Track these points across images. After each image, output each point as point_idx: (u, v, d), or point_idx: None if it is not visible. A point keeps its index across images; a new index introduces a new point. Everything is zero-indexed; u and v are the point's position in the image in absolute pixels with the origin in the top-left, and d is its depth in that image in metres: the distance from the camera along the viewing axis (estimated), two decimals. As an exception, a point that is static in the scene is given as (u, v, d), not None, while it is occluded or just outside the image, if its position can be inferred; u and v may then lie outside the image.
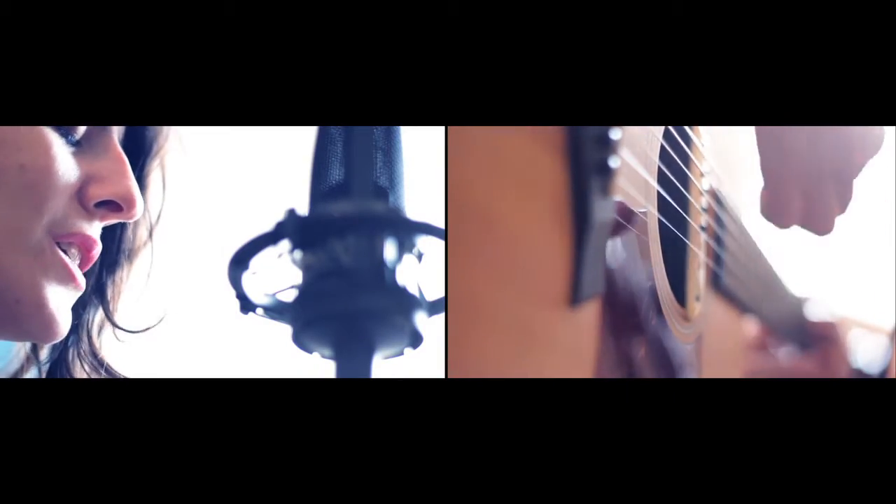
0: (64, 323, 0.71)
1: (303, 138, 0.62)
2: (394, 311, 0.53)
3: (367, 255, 0.53)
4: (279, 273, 0.56)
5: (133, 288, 0.82)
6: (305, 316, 0.54)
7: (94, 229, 0.72)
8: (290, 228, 0.54)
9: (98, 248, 0.73)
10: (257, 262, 0.56)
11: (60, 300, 0.71)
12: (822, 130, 0.81)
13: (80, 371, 0.80)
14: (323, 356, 0.55)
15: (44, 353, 0.80)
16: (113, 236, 0.79)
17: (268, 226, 0.54)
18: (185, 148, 0.84)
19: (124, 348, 0.83)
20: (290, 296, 0.55)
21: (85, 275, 0.73)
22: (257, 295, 0.58)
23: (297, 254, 0.54)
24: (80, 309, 0.78)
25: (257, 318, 0.59)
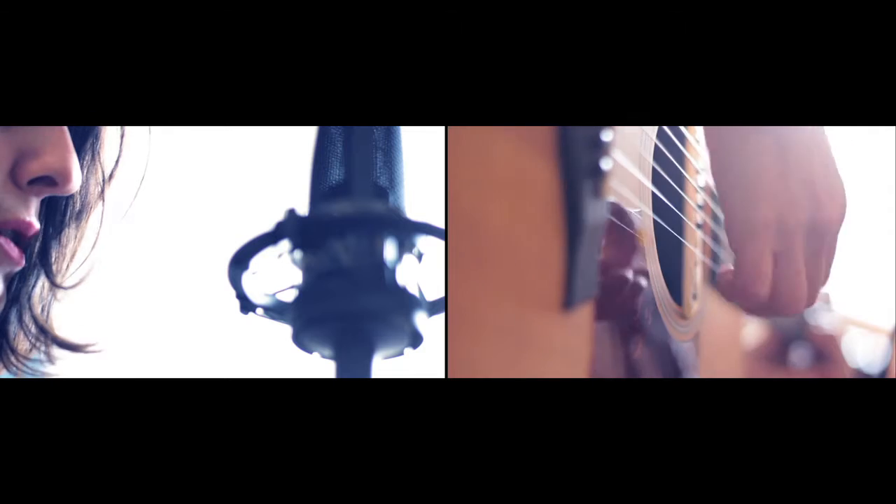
0: None
1: (303, 138, 0.62)
2: (394, 312, 0.53)
3: (367, 255, 0.53)
4: (279, 273, 0.56)
5: (80, 251, 0.78)
6: (305, 316, 0.54)
7: (30, 212, 0.69)
8: (290, 228, 0.54)
9: (34, 230, 0.69)
10: (257, 262, 0.56)
11: None
12: (790, 177, 0.77)
13: (24, 343, 0.76)
14: (323, 356, 0.55)
15: None
16: (59, 197, 0.74)
17: (268, 226, 0.54)
18: (145, 144, 0.79)
19: (121, 345, 0.82)
20: (290, 296, 0.55)
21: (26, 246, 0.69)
22: (257, 295, 0.58)
23: (297, 254, 0.54)
24: (21, 278, 0.75)
25: (257, 318, 0.59)
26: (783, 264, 0.78)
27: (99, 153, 0.77)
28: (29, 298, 0.76)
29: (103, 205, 0.78)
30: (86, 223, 0.78)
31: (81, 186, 0.75)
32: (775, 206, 0.77)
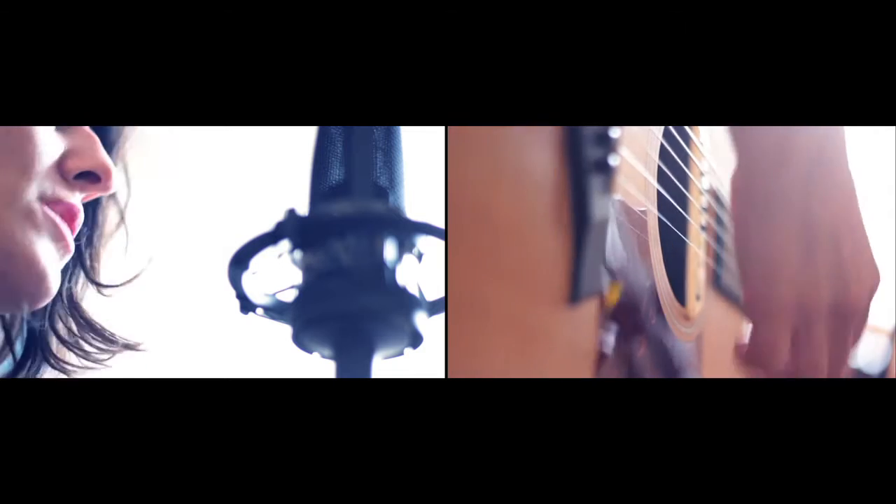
0: (54, 280, 0.72)
1: (303, 138, 0.62)
2: (394, 311, 0.53)
3: (367, 255, 0.53)
4: (279, 273, 0.56)
5: (105, 275, 0.84)
6: (305, 316, 0.54)
7: (76, 199, 0.74)
8: (290, 228, 0.54)
9: (80, 219, 0.74)
10: (257, 262, 0.56)
11: (51, 258, 0.72)
12: (815, 259, 0.74)
13: (63, 332, 0.81)
14: (323, 356, 0.55)
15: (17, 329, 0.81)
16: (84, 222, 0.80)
17: (268, 226, 0.54)
18: (145, 144, 0.85)
19: (121, 346, 0.83)
20: (290, 296, 0.55)
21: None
22: (257, 295, 0.58)
23: (297, 254, 0.54)
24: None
25: (257, 318, 0.59)
26: (803, 344, 0.76)
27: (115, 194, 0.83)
28: (70, 294, 0.82)
29: (126, 228, 0.85)
30: (109, 245, 0.84)
31: (102, 213, 0.83)
32: (796, 288, 0.74)
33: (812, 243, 0.74)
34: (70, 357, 0.82)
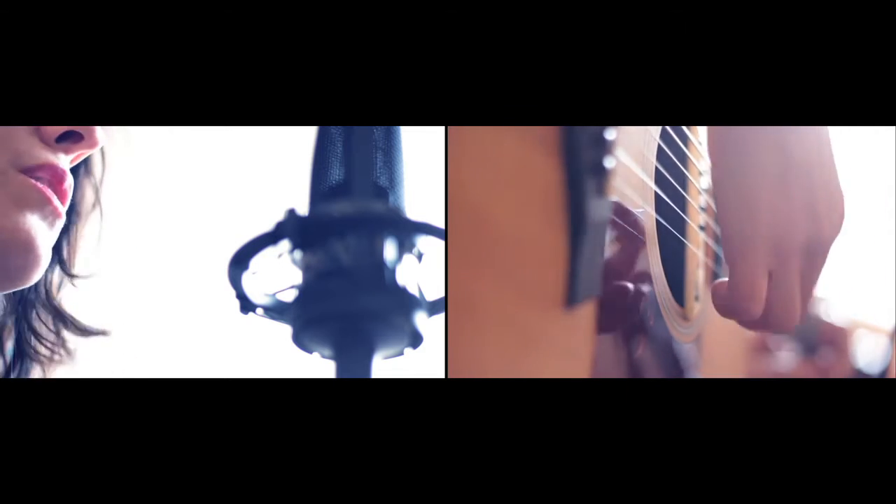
0: (44, 249, 0.70)
1: (303, 138, 0.62)
2: (394, 311, 0.53)
3: (367, 255, 0.53)
4: (279, 273, 0.56)
5: (85, 251, 0.82)
6: (305, 316, 0.54)
7: (61, 161, 0.71)
8: (290, 228, 0.54)
9: (69, 181, 0.72)
10: (257, 262, 0.56)
11: (37, 225, 0.70)
12: (790, 194, 0.75)
13: (41, 326, 0.80)
14: (323, 356, 0.55)
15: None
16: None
17: (268, 226, 0.54)
18: (146, 145, 0.83)
19: (121, 345, 0.83)
20: (290, 296, 0.55)
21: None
22: (257, 295, 0.58)
23: (297, 254, 0.54)
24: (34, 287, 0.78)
25: (257, 318, 0.59)
26: (778, 283, 0.76)
27: (90, 163, 0.81)
28: (47, 287, 0.80)
29: (101, 208, 0.82)
30: (86, 225, 0.81)
31: (78, 192, 0.79)
32: (773, 225, 0.75)
33: (787, 178, 0.75)
34: (42, 350, 0.80)
